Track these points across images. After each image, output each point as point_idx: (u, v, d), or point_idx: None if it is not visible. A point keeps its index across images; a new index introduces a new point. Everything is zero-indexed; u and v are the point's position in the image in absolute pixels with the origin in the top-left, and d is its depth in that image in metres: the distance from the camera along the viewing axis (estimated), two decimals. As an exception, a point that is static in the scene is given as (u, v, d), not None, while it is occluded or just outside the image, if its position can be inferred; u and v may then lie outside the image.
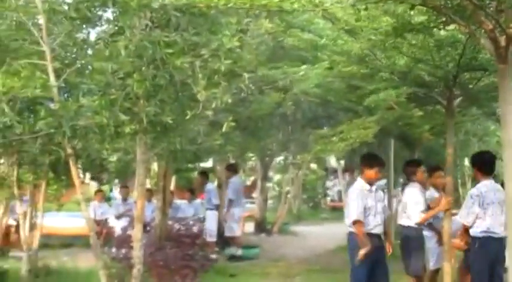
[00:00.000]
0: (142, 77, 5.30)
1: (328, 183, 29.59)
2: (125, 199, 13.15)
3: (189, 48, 5.30)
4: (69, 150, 6.00)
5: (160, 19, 5.45)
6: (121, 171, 10.78)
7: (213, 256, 9.82)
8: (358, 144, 8.47)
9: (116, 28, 5.76)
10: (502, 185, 5.63)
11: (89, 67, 6.27)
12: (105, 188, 19.48)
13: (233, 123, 5.62)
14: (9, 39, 6.22)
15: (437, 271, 7.91)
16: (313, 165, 27.16)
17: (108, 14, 5.97)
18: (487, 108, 9.60)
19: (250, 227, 17.33)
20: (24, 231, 8.89)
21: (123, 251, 8.11)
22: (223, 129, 5.62)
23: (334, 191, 29.84)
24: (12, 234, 12.10)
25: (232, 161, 15.57)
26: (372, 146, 11.85)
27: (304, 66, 9.21)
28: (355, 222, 6.79)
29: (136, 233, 6.17)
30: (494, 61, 5.47)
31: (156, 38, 5.23)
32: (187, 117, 5.42)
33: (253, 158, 20.74)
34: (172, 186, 12.84)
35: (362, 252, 6.66)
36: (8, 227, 12.06)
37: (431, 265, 8.00)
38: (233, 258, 12.16)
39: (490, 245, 6.47)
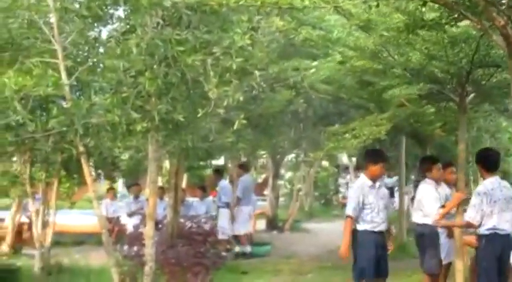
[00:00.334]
0: (154, 75, 5.31)
1: (340, 180, 29.47)
2: (136, 197, 13.14)
3: (201, 46, 5.31)
4: (81, 148, 6.03)
5: (171, 17, 5.46)
6: (133, 169, 10.82)
7: (225, 254, 9.81)
8: (370, 141, 8.44)
9: (128, 26, 5.79)
10: None
11: (101, 65, 6.28)
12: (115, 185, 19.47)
13: (244, 121, 5.62)
14: (21, 37, 6.26)
15: (448, 267, 7.85)
16: (325, 163, 27.05)
17: (120, 12, 6.01)
18: (500, 104, 9.56)
19: (261, 224, 17.30)
20: (36, 229, 8.92)
21: (135, 248, 8.10)
22: (235, 127, 5.62)
23: (345, 188, 29.73)
24: (24, 232, 12.16)
25: (243, 159, 15.53)
26: (384, 143, 11.80)
27: (315, 63, 9.18)
28: (346, 217, 6.76)
29: (148, 230, 6.19)
30: (507, 57, 5.44)
31: (167, 36, 5.24)
32: (199, 115, 5.44)
33: (265, 156, 20.69)
34: (184, 184, 12.85)
35: (341, 249, 6.61)
36: (21, 224, 12.18)
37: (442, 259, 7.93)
38: (241, 255, 12.14)
39: (497, 242, 6.42)
